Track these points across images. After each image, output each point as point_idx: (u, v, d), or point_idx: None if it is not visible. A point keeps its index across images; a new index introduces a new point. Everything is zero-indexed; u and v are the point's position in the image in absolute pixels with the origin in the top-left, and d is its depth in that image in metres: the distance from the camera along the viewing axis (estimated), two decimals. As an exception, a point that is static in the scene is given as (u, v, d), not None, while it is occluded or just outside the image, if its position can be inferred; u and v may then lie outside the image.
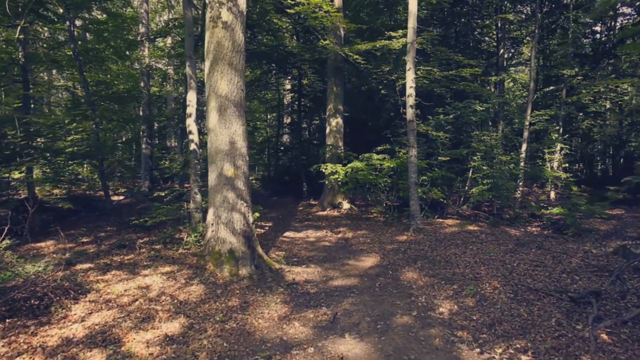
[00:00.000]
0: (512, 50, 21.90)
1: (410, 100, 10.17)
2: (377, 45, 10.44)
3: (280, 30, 15.42)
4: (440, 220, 11.71)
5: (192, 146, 8.42)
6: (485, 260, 7.59)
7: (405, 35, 10.71)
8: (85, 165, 18.61)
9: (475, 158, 12.65)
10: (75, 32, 20.59)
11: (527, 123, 15.25)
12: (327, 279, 6.80)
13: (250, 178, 24.44)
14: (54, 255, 7.94)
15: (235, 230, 6.52)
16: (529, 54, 22.96)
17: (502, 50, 18.04)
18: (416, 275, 6.90)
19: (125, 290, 6.00)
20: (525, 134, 15.18)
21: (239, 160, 6.54)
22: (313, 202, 14.69)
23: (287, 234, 10.33)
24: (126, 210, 12.96)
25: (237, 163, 6.53)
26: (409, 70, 10.18)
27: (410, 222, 10.20)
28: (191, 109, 8.34)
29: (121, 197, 16.35)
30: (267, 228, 10.92)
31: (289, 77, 19.90)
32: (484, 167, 12.38)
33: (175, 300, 5.65)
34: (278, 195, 17.32)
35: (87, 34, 18.48)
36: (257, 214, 9.49)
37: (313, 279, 6.79)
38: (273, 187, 19.19)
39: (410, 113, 10.20)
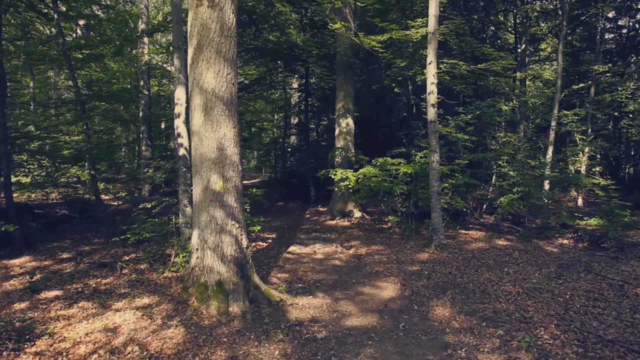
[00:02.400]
0: (531, 48, 20.22)
1: (432, 98, 8.67)
2: (394, 36, 8.96)
3: (286, 24, 14.02)
4: (463, 231, 10.21)
5: (182, 151, 7.05)
6: (529, 290, 6.09)
7: (425, 25, 9.21)
8: (85, 169, 17.46)
9: (501, 163, 11.10)
10: (78, 30, 19.42)
11: (553, 124, 13.66)
12: (338, 317, 5.37)
13: (257, 180, 23.02)
14: (20, 278, 6.63)
15: (225, 256, 5.12)
16: (549, 50, 21.31)
17: (524, 45, 16.39)
18: (448, 312, 5.43)
19: (87, 335, 4.64)
20: (552, 135, 13.59)
21: (229, 170, 5.14)
22: (321, 209, 13.26)
23: (292, 248, 8.92)
24: (121, 218, 11.67)
25: (227, 174, 5.13)
26: (429, 64, 8.68)
27: (432, 237, 8.72)
28: (180, 108, 6.96)
29: (119, 202, 15.10)
30: (269, 241, 9.52)
31: (296, 75, 18.46)
32: (512, 173, 10.84)
33: (145, 353, 4.27)
34: (284, 200, 15.93)
35: (91, 33, 17.32)
36: (257, 227, 8.15)
37: (321, 316, 5.36)
38: (279, 191, 17.83)
39: (431, 113, 8.71)
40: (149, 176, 9.49)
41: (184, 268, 6.69)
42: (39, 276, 6.70)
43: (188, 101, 6.28)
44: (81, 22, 17.17)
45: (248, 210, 8.45)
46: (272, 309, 5.39)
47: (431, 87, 8.66)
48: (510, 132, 14.30)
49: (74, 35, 18.29)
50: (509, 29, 19.09)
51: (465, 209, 10.11)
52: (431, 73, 8.64)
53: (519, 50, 16.96)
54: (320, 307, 5.67)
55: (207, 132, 5.06)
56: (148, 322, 4.94)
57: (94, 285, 6.28)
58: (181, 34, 7.08)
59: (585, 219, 10.67)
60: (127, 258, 7.83)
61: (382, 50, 9.01)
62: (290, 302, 5.65)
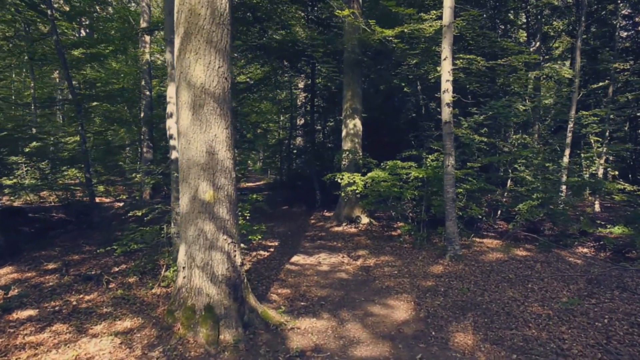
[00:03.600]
0: (543, 47, 19.30)
1: (447, 97, 7.89)
2: (406, 30, 8.19)
3: (292, 21, 13.31)
4: (478, 239, 9.42)
5: (174, 154, 6.35)
6: (560, 312, 5.30)
7: (438, 18, 8.44)
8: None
9: (517, 166, 10.29)
10: (82, 31, 18.85)
11: (570, 125, 12.79)
12: (345, 344, 4.62)
13: (262, 182, 22.32)
14: (-5, 294, 5.96)
15: (216, 276, 4.40)
16: (561, 49, 20.36)
17: (538, 43, 15.52)
18: (471, 340, 4.66)
19: (53, 368, 3.94)
20: (569, 137, 12.72)
21: (220, 177, 4.41)
22: (327, 214, 12.50)
23: (295, 258, 8.18)
24: (117, 223, 11.01)
25: (219, 182, 4.41)
26: (444, 59, 7.91)
27: (447, 247, 7.94)
28: (172, 106, 6.27)
29: (119, 205, 14.50)
30: (271, 250, 8.80)
31: (302, 75, 17.74)
32: (529, 177, 10.04)
33: (117, 394, 3.56)
34: (289, 203, 15.19)
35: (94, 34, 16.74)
36: (258, 236, 7.43)
37: (325, 343, 4.61)
38: (284, 194, 17.12)
39: (446, 113, 7.93)
40: (135, 181, 8.81)
41: (174, 283, 5.98)
42: (16, 291, 6.04)
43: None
44: (84, 20, 16.63)
45: (248, 217, 7.75)
46: (270, 335, 4.65)
47: (446, 84, 7.88)
48: (524, 134, 13.46)
49: (77, 35, 17.76)
50: (520, 27, 18.23)
51: (480, 216, 9.31)
52: (446, 69, 7.86)
53: (531, 49, 16.09)
54: (324, 331, 4.92)
55: (195, 134, 4.35)
56: (126, 352, 4.23)
57: (74, 303, 5.59)
58: (172, 26, 6.37)
59: (609, 226, 9.81)
60: (116, 269, 7.16)
61: (396, 41, 8.19)
62: (290, 326, 4.91)
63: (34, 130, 17.26)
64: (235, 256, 4.56)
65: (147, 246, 6.75)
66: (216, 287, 4.39)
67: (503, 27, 18.41)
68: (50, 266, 7.37)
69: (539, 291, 6.17)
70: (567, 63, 19.16)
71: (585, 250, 9.38)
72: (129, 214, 7.16)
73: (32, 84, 16.83)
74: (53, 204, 13.99)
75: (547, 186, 9.22)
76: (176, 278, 4.73)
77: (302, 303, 5.84)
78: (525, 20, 18.43)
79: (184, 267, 4.52)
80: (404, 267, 7.46)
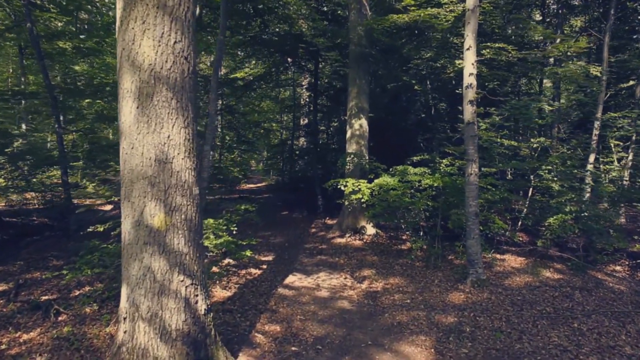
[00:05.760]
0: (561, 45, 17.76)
1: (470, 94, 6.53)
2: (421, 15, 6.84)
3: (295, 15, 12.04)
4: (499, 256, 8.06)
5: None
6: (631, 374, 3.94)
7: (461, 1, 7.07)
8: (79, 172, 15.70)
9: (542, 173, 8.90)
10: (78, 26, 17.61)
11: (597, 129, 11.34)
12: None
13: (264, 184, 21.06)
14: None
15: (168, 332, 3.08)
16: (576, 48, 18.87)
17: (558, 40, 14.04)
18: (519, 421, 3.30)
19: None
20: (595, 140, 11.27)
21: (175, 195, 3.10)
22: (329, 222, 11.17)
23: (290, 279, 6.86)
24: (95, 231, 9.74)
25: (173, 201, 3.09)
26: (467, 49, 6.54)
27: (467, 269, 6.58)
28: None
29: (109, 207, 13.26)
30: (264, 267, 7.47)
31: (307, 74, 16.43)
32: (555, 187, 8.66)
33: None
34: (289, 208, 13.88)
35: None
36: (248, 253, 6.15)
37: (320, 423, 3.29)
38: (285, 197, 15.83)
39: (469, 112, 6.56)
40: (90, 190, 7.60)
41: (115, 337, 4.68)
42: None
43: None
44: (81, 15, 15.38)
45: (235, 231, 6.45)
46: (245, 409, 3.34)
47: (469, 79, 6.51)
48: (545, 137, 12.04)
49: (76, 29, 16.53)
50: (537, 24, 16.75)
51: (504, 230, 7.96)
52: (469, 61, 6.49)
53: (549, 47, 14.62)
54: (319, 399, 3.60)
55: (140, 134, 3.04)
56: None
57: (3, 347, 4.30)
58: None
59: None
60: (77, 293, 5.90)
61: (420, 11, 6.63)
62: (274, 391, 3.58)
63: (23, 127, 16.02)
64: (197, 302, 3.24)
65: (107, 270, 5.46)
66: (168, 346, 3.08)
67: (514, 27, 16.99)
68: (1, 287, 6.10)
69: (591, 335, 4.80)
70: (581, 63, 17.66)
71: (619, 268, 8.03)
72: (87, 230, 5.89)
73: (23, 79, 15.68)
74: (37, 206, 12.79)
75: (580, 197, 7.83)
76: (117, 331, 3.42)
77: (294, 347, 4.51)
78: (540, 18, 16.97)
79: (125, 318, 3.21)
80: (418, 294, 6.10)
